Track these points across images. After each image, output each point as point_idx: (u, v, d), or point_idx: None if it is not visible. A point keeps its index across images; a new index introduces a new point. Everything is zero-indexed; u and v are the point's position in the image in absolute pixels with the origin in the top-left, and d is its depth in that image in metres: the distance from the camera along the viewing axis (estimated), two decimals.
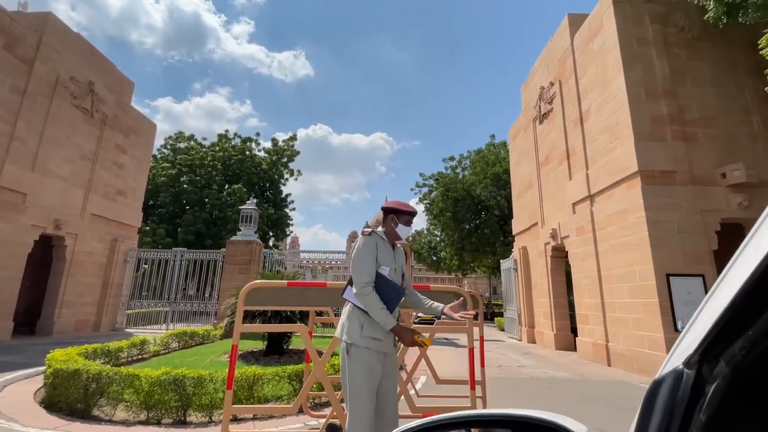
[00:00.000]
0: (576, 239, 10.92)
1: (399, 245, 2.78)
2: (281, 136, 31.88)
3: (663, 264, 7.96)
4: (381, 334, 2.40)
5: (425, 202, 28.82)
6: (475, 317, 3.59)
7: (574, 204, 11.20)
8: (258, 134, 33.02)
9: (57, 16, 13.57)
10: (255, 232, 16.18)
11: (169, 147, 29.40)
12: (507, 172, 24.46)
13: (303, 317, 9.30)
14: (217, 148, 30.97)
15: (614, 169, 9.36)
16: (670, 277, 7.86)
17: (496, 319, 20.83)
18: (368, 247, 2.49)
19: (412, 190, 30.05)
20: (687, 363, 0.55)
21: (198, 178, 27.14)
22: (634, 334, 8.45)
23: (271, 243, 30.81)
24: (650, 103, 8.98)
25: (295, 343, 11.15)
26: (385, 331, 2.40)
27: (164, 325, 15.06)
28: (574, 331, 12.10)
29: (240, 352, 9.41)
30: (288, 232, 33.32)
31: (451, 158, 27.70)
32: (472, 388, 3.43)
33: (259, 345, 9.97)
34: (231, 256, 15.03)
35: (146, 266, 16.08)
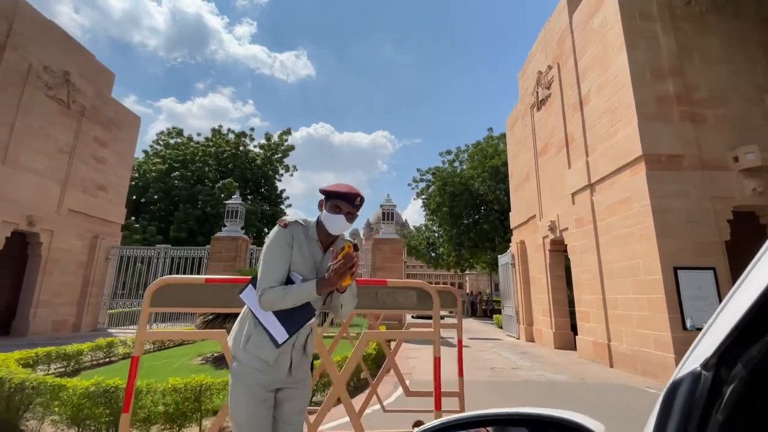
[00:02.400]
0: (575, 231, 10.23)
1: (346, 242, 1.82)
2: (277, 133, 30.77)
3: (670, 256, 7.27)
4: (270, 356, 1.72)
5: (423, 197, 28.13)
6: (443, 317, 2.92)
7: (573, 194, 10.50)
8: (252, 129, 32.29)
9: (28, 2, 12.91)
10: (242, 228, 15.56)
11: (161, 143, 28.77)
12: (506, 164, 23.70)
13: None
14: (211, 143, 30.38)
15: (616, 154, 8.65)
16: (678, 271, 7.16)
17: (495, 316, 20.17)
18: (278, 241, 1.75)
19: (409, 185, 29.36)
20: (705, 365, 0.57)
21: (189, 173, 26.52)
22: (638, 333, 7.77)
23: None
24: (655, 82, 8.26)
25: None
26: (274, 355, 1.72)
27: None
28: (574, 329, 11.44)
29: (201, 357, 8.79)
30: None
31: (449, 152, 26.98)
32: (437, 407, 2.75)
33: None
34: (216, 253, 14.42)
35: (141, 265, 15.43)
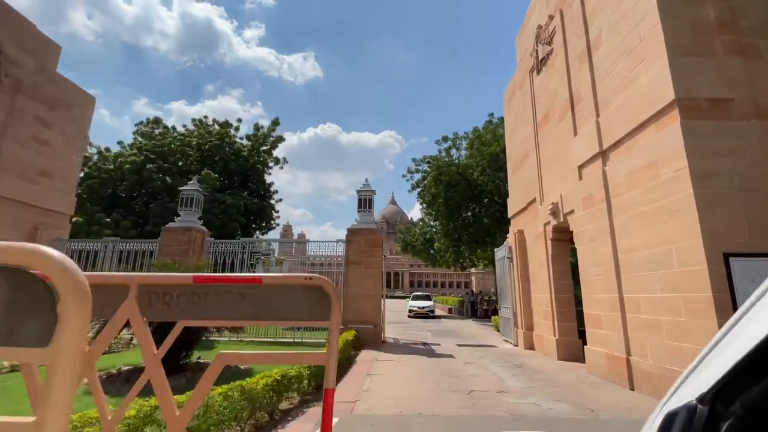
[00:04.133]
0: (583, 214, 8.10)
1: None
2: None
3: (717, 238, 5.13)
4: None
5: (418, 189, 26.02)
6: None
7: (580, 167, 8.37)
8: (239, 120, 30.50)
9: None
10: (199, 218, 13.69)
11: (141, 133, 27.08)
12: (504, 151, 21.59)
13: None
14: (195, 134, 28.68)
15: (636, 106, 6.52)
16: (731, 259, 5.02)
17: (493, 318, 18.01)
18: None
19: (403, 176, 27.28)
20: (701, 399, 0.59)
21: (167, 165, 24.81)
22: (669, 346, 5.64)
23: (257, 235, 28.40)
24: (689, 4, 6.11)
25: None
26: None
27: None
28: (583, 335, 9.32)
29: (104, 373, 6.89)
30: (274, 224, 30.89)
31: (445, 138, 24.74)
32: None
33: (135, 359, 7.35)
34: (165, 246, 12.56)
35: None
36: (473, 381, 6.86)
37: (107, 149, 26.22)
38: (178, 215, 13.38)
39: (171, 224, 13.00)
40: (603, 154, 7.57)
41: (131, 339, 6.73)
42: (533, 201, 11.21)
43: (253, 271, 12.58)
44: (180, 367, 7.15)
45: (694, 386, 0.63)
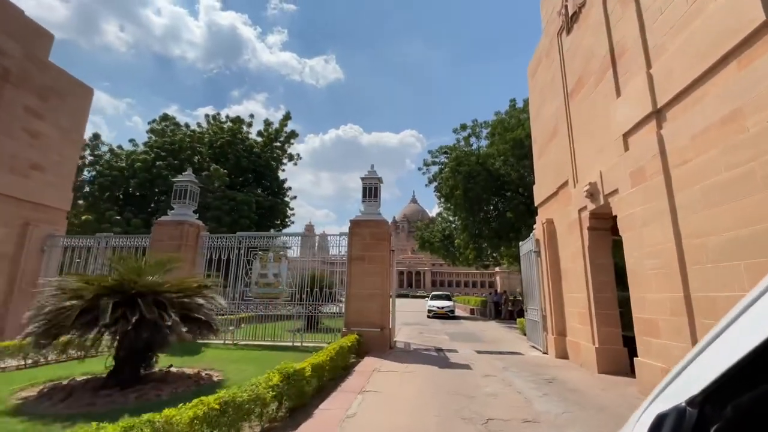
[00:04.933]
0: (631, 192, 6.47)
1: None
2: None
3: None
4: None
5: (435, 182, 24.46)
6: None
7: (626, 135, 6.74)
8: (252, 116, 29.85)
9: None
10: (194, 211, 12.73)
11: (153, 131, 26.73)
12: (530, 136, 19.80)
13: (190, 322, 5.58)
14: (207, 131, 28.20)
15: (705, 44, 4.89)
16: None
17: (519, 320, 16.29)
18: None
19: (419, 169, 25.75)
20: (690, 402, 0.61)
21: (177, 162, 24.30)
22: None
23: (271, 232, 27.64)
24: None
25: (181, 362, 7.44)
26: None
27: None
28: (629, 344, 7.69)
29: (69, 381, 5.84)
30: (288, 222, 30.04)
31: (463, 126, 23.02)
32: None
33: (100, 367, 6.28)
34: (156, 241, 11.65)
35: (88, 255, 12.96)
36: (492, 403, 5.39)
37: (120, 147, 26.03)
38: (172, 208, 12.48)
39: (163, 218, 12.11)
40: (658, 114, 5.94)
41: (93, 343, 5.65)
42: (564, 184, 9.56)
43: (249, 268, 11.50)
44: (138, 378, 6.02)
45: (682, 388, 0.66)
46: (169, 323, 5.37)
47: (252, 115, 30.06)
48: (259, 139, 29.26)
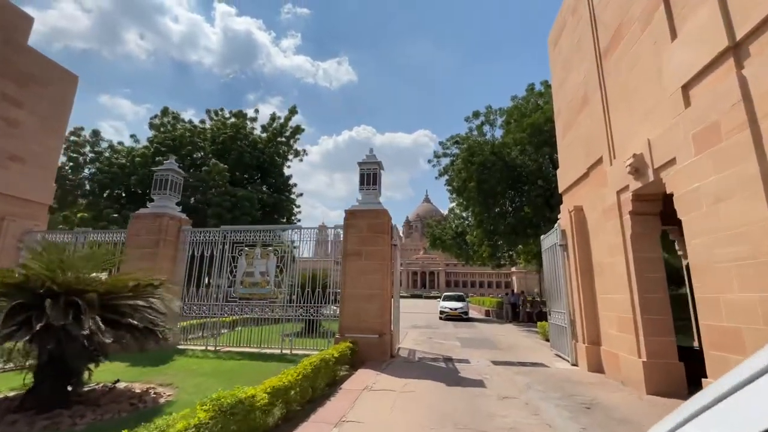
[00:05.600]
0: (696, 161, 4.90)
1: None
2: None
3: None
4: None
5: (447, 175, 22.92)
6: None
7: (685, 87, 5.17)
8: (257, 110, 28.89)
9: None
10: (177, 203, 11.60)
11: (153, 126, 25.90)
12: (551, 120, 18.12)
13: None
14: (211, 126, 27.34)
15: None
16: None
17: (540, 324, 14.64)
18: None
19: (429, 161, 24.19)
20: None
21: (177, 157, 23.40)
22: None
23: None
24: None
25: (138, 374, 6.18)
26: None
27: None
28: (689, 355, 6.16)
29: None
30: (294, 220, 28.92)
31: (476, 114, 21.35)
32: None
33: (17, 381, 5.06)
34: (133, 236, 10.53)
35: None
36: None
37: (120, 143, 25.34)
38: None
39: (141, 210, 10.98)
40: (736, 50, 4.38)
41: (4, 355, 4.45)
42: (598, 162, 7.99)
43: (235, 265, 10.27)
44: (65, 398, 4.78)
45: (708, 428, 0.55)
46: (86, 331, 4.10)
47: (257, 110, 29.15)
48: (264, 134, 28.22)
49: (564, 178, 10.14)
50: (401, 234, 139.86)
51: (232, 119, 27.80)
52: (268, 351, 9.62)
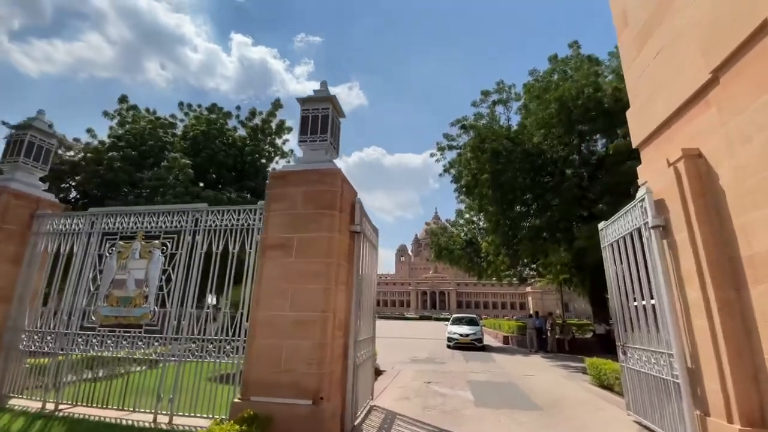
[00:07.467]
0: None
1: None
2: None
3: None
4: None
5: (452, 172, 18.91)
6: None
7: None
8: (238, 107, 25.58)
9: None
10: (41, 179, 7.81)
11: (110, 117, 22.43)
12: (582, 92, 14.13)
13: None
14: (187, 123, 24.12)
15: None
16: None
17: (587, 361, 10.18)
18: None
19: (432, 155, 20.19)
20: None
21: (135, 153, 20.01)
22: None
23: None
24: None
25: None
26: None
27: None
28: None
29: None
30: None
31: (486, 93, 17.42)
32: None
33: None
34: None
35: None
36: None
37: (76, 139, 22.02)
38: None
39: None
40: None
41: None
42: (747, 44, 3.93)
43: (101, 269, 6.31)
44: None
45: None
46: None
47: (238, 107, 25.82)
48: (243, 133, 24.82)
49: (645, 117, 6.03)
50: (410, 253, 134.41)
51: (206, 114, 24.50)
52: (135, 416, 5.53)
